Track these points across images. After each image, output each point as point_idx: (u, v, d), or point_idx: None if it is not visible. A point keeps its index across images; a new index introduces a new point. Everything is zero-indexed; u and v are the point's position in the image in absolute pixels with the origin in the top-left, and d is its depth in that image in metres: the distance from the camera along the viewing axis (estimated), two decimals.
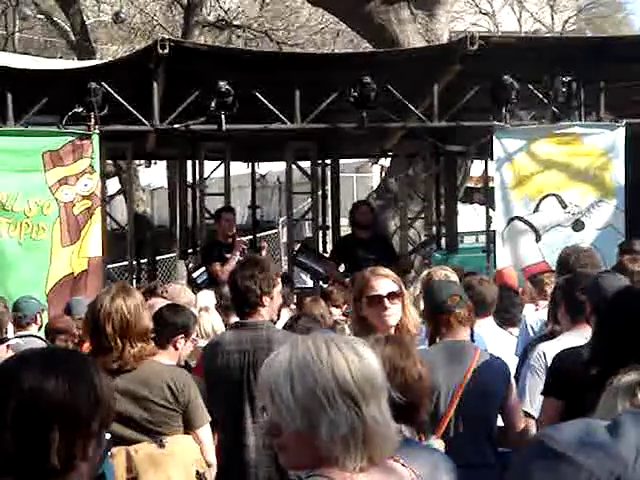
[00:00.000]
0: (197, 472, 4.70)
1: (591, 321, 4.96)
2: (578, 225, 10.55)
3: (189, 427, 4.72)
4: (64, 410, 2.16)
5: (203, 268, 11.22)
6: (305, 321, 6.43)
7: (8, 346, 5.76)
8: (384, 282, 4.75)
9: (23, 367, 2.21)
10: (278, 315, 6.30)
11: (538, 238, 10.51)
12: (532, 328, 6.42)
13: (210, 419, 4.87)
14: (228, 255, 10.97)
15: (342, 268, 11.71)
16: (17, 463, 2.14)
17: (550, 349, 5.34)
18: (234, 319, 5.95)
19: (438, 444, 4.13)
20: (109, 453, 4.26)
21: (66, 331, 6.72)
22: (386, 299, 4.68)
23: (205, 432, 4.80)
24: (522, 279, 8.94)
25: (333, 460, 2.26)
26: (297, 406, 2.24)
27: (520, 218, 10.55)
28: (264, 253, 11.27)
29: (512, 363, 5.60)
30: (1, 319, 5.65)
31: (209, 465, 4.82)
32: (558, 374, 4.79)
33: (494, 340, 5.89)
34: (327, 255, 12.78)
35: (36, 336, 6.99)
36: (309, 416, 2.24)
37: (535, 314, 6.81)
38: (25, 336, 6.73)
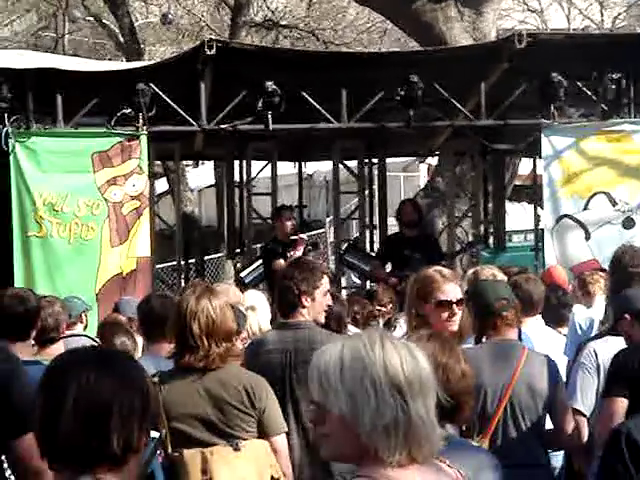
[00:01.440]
0: (272, 477, 4.69)
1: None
2: (628, 223, 10.45)
3: (265, 434, 4.69)
4: (122, 400, 2.25)
5: (252, 267, 11.25)
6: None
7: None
8: (453, 287, 4.75)
9: (79, 361, 2.31)
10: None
11: (588, 236, 10.43)
12: (580, 327, 6.37)
13: (287, 429, 4.87)
14: (291, 252, 10.94)
15: (388, 266, 11.70)
16: (80, 451, 2.23)
17: (601, 347, 5.30)
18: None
19: (481, 444, 4.12)
20: (158, 452, 4.30)
21: (123, 330, 6.78)
22: (455, 305, 4.67)
23: (280, 441, 4.76)
24: (572, 277, 8.87)
25: (372, 452, 2.27)
26: (344, 390, 2.27)
27: (569, 216, 10.47)
28: (301, 250, 11.19)
29: (561, 362, 5.56)
30: (58, 318, 5.74)
31: (284, 474, 4.79)
32: (620, 373, 4.76)
33: (542, 339, 5.85)
34: (374, 254, 12.76)
35: (84, 335, 7.04)
36: (354, 401, 2.26)
37: (584, 313, 6.75)
38: (72, 335, 6.79)
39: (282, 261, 10.86)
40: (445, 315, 4.69)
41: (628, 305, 5.35)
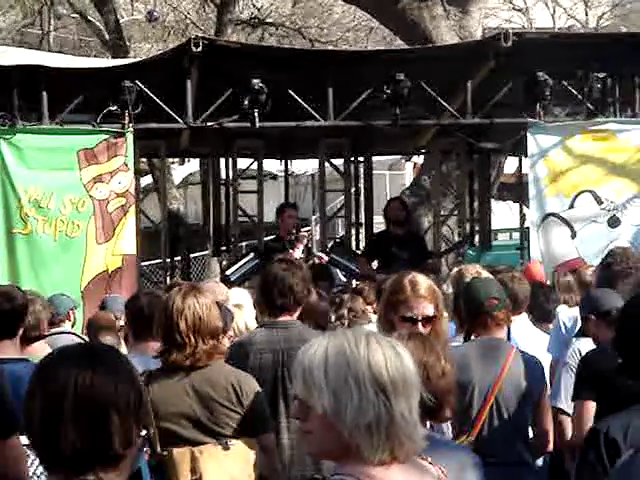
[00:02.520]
0: (260, 476, 4.69)
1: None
2: (614, 221, 10.49)
3: (253, 433, 4.69)
4: (119, 397, 2.24)
5: (237, 265, 11.24)
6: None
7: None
8: (423, 304, 4.43)
9: (73, 359, 2.28)
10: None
11: (573, 234, 10.46)
12: (565, 325, 6.38)
13: (274, 427, 4.86)
14: (291, 251, 10.92)
15: (375, 264, 11.70)
16: (82, 453, 2.21)
17: (585, 346, 5.32)
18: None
19: (468, 441, 4.12)
20: (145, 449, 4.29)
21: (110, 328, 6.76)
22: (420, 323, 4.50)
23: (268, 439, 4.76)
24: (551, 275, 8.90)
25: (355, 450, 2.28)
26: (327, 387, 2.28)
27: (555, 214, 10.50)
28: (301, 247, 11.18)
29: (545, 361, 5.57)
30: (38, 317, 5.70)
31: (275, 471, 4.79)
32: (589, 375, 4.77)
33: (526, 338, 5.87)
34: (360, 251, 12.77)
35: (70, 332, 7.03)
36: (337, 399, 2.27)
37: (568, 311, 6.77)
38: (58, 333, 6.77)
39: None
40: (407, 328, 4.37)
41: (593, 305, 5.38)
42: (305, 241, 11.23)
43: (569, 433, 5.15)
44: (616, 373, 3.51)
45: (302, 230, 11.48)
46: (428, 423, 3.42)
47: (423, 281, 4.56)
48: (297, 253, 10.70)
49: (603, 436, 3.18)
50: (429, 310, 4.46)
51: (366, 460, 2.28)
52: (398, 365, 2.30)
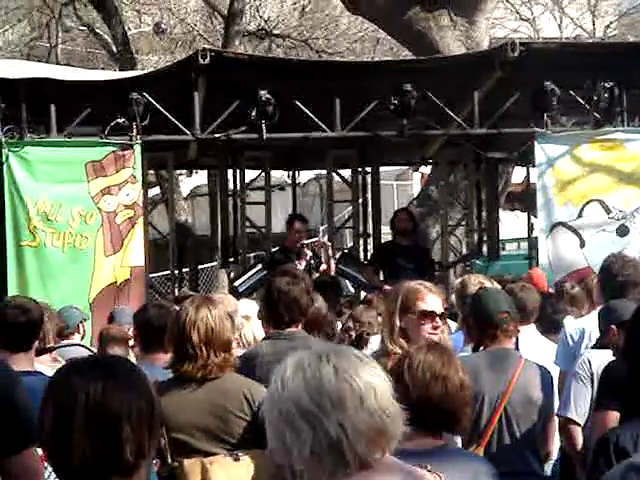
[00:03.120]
0: None
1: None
2: (622, 230, 10.47)
3: (264, 444, 4.67)
4: (131, 407, 2.24)
5: (245, 276, 11.24)
6: None
7: (51, 355, 5.81)
8: (437, 300, 4.67)
9: (85, 371, 2.29)
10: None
11: (582, 243, 10.44)
12: (572, 337, 6.34)
13: None
14: (296, 263, 10.92)
15: (381, 275, 11.69)
16: (95, 464, 2.21)
17: (595, 356, 5.30)
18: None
19: (477, 452, 4.12)
20: (154, 460, 4.28)
21: (122, 339, 6.76)
22: (438, 317, 4.63)
23: None
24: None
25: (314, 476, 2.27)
26: (268, 427, 2.34)
27: (564, 223, 10.49)
28: (304, 262, 11.17)
29: (553, 372, 5.56)
30: (44, 327, 5.70)
31: None
32: (611, 385, 4.76)
33: (534, 348, 5.85)
34: (367, 262, 12.76)
35: (80, 344, 7.04)
36: (276, 435, 2.32)
37: (575, 322, 6.74)
38: (68, 345, 6.78)
39: None
40: (428, 327, 4.59)
41: (613, 316, 5.37)
42: (309, 255, 11.21)
43: (579, 443, 5.14)
44: (627, 382, 3.50)
45: (306, 243, 11.46)
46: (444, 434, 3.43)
47: (429, 283, 4.87)
48: (301, 266, 10.69)
49: (613, 445, 3.17)
50: (442, 306, 4.69)
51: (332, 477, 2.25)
52: (318, 386, 2.26)
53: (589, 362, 5.32)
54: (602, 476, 2.82)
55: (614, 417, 4.63)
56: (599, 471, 3.16)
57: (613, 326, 5.31)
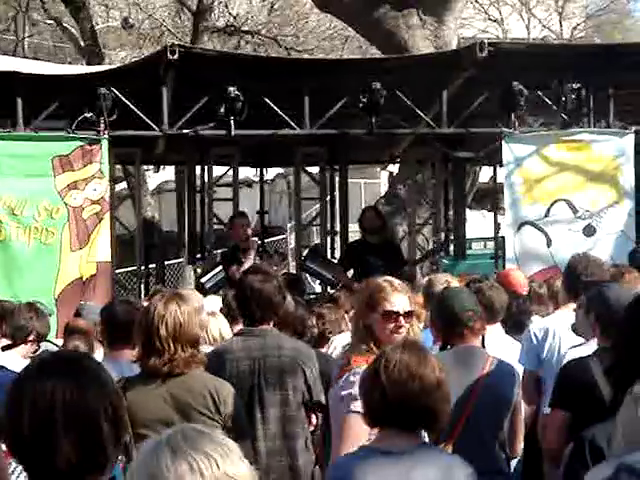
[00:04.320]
0: None
1: (596, 330, 4.96)
2: (589, 230, 10.54)
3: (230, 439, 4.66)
4: (106, 405, 2.23)
5: (212, 272, 11.23)
6: None
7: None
8: (402, 299, 4.64)
9: (53, 373, 2.25)
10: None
11: (549, 242, 10.50)
12: (536, 336, 6.37)
13: (252, 435, 4.83)
14: (243, 260, 10.94)
15: (350, 273, 11.71)
16: (77, 466, 2.18)
17: (583, 353, 5.30)
18: (239, 327, 5.95)
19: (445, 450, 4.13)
20: (119, 457, 4.26)
21: (86, 332, 6.73)
22: (402, 317, 4.62)
23: (244, 447, 4.71)
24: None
25: None
26: None
27: (531, 222, 10.54)
28: (253, 254, 11.15)
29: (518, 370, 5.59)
30: (25, 325, 5.74)
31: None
32: (566, 385, 4.79)
33: (499, 347, 5.88)
34: (335, 260, 12.78)
35: (46, 340, 6.99)
36: None
37: (540, 322, 6.78)
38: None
39: (235, 267, 10.88)
40: (391, 326, 4.57)
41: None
42: (256, 246, 11.26)
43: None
44: (606, 372, 3.50)
45: (251, 239, 11.49)
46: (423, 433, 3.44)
47: (395, 279, 4.79)
48: (249, 261, 10.70)
49: (588, 444, 3.19)
50: (408, 305, 4.64)
51: None
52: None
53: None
54: (576, 475, 2.83)
55: (565, 417, 4.66)
56: (574, 470, 3.18)
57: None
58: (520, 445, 5.15)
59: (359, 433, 3.61)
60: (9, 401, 2.24)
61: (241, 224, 11.40)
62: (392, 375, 3.36)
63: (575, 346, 5.54)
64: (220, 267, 11.44)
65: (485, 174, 16.76)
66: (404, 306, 4.62)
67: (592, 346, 5.07)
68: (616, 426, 2.56)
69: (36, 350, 5.82)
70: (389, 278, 4.80)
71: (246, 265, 10.13)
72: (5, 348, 5.62)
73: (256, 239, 11.81)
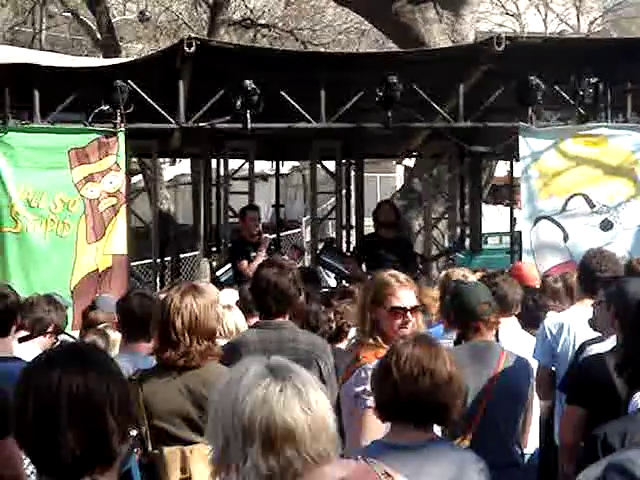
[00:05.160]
0: None
1: (615, 326, 4.94)
2: (606, 225, 10.50)
3: None
4: (113, 398, 2.22)
5: (227, 266, 11.25)
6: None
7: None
8: (409, 294, 4.65)
9: (60, 365, 2.24)
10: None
11: (566, 237, 10.46)
12: (550, 331, 6.36)
13: None
14: (254, 254, 10.98)
15: (363, 267, 11.70)
16: (81, 459, 2.18)
17: (599, 349, 5.29)
18: (255, 320, 5.96)
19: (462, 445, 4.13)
20: (135, 449, 4.28)
21: (105, 326, 6.75)
22: (409, 312, 4.62)
23: None
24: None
25: None
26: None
27: (547, 217, 10.50)
28: (264, 250, 11.15)
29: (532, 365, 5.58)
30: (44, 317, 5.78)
31: None
32: (582, 381, 4.78)
33: (515, 341, 5.87)
34: (350, 254, 12.78)
35: (63, 332, 7.01)
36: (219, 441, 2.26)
37: (554, 317, 6.76)
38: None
39: (245, 262, 10.89)
40: (398, 322, 4.59)
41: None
42: (267, 244, 11.25)
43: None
44: (619, 366, 3.48)
45: (264, 234, 11.51)
46: (436, 427, 3.44)
47: (401, 273, 4.78)
48: (260, 257, 10.70)
49: (601, 442, 3.18)
50: (414, 299, 4.67)
51: None
52: (267, 414, 2.19)
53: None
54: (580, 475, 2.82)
55: (582, 414, 4.65)
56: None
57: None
58: (530, 437, 5.14)
59: (380, 427, 3.61)
60: (15, 392, 2.25)
61: (252, 217, 11.41)
62: (403, 370, 3.36)
63: (594, 341, 5.52)
64: None
65: (501, 169, 16.72)
66: (410, 301, 4.64)
67: (612, 342, 5.07)
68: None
69: (54, 342, 5.84)
70: (394, 272, 4.79)
71: (259, 260, 10.13)
72: (22, 340, 5.64)
73: (268, 235, 11.80)
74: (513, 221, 13.57)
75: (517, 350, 5.45)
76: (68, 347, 2.51)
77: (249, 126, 10.10)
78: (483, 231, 14.33)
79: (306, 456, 2.19)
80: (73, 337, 6.81)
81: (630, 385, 3.35)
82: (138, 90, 9.82)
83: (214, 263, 13.15)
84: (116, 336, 6.09)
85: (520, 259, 10.76)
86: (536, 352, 6.19)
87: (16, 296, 5.14)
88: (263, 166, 17.74)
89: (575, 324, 6.11)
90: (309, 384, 2.26)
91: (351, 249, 13.50)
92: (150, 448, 4.50)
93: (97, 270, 9.77)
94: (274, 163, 15.54)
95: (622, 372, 3.48)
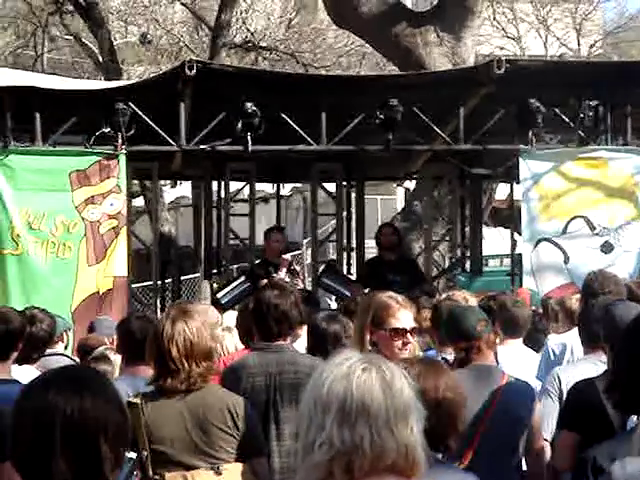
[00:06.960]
0: None
1: (605, 349, 4.93)
2: (607, 247, 10.50)
3: (245, 456, 4.64)
4: (108, 423, 2.21)
5: (227, 289, 11.22)
6: None
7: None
8: (408, 315, 4.65)
9: (57, 389, 2.24)
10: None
11: (567, 259, 10.47)
12: (554, 352, 6.37)
13: (267, 451, 4.83)
14: (274, 275, 10.92)
15: (367, 290, 11.68)
16: None
17: (564, 373, 5.32)
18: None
19: None
20: (135, 473, 4.26)
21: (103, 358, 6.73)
22: (409, 334, 4.61)
23: (261, 463, 4.72)
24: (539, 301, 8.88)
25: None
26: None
27: (548, 239, 10.51)
28: (284, 270, 11.13)
29: (535, 387, 5.56)
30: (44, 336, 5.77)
31: None
32: (573, 406, 4.77)
33: (519, 362, 5.86)
34: (352, 277, 12.76)
35: (63, 354, 7.00)
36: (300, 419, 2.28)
37: (557, 338, 6.76)
38: (52, 355, 6.74)
39: (265, 281, 10.84)
40: (399, 343, 4.58)
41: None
42: (287, 264, 11.23)
43: (547, 459, 5.13)
44: (608, 390, 3.46)
45: (285, 254, 11.49)
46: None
47: (398, 295, 4.77)
48: (282, 275, 10.72)
49: (591, 464, 3.18)
50: (412, 321, 4.69)
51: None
52: (360, 394, 2.21)
53: (558, 378, 5.32)
54: None
55: (574, 438, 4.63)
56: None
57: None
58: (543, 461, 5.07)
59: None
60: (12, 414, 2.24)
61: (275, 239, 11.39)
62: None
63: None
64: (237, 282, 11.43)
65: (501, 191, 16.73)
66: (410, 322, 4.63)
67: (591, 360, 5.11)
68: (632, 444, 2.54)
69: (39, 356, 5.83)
70: (392, 294, 4.78)
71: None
72: (22, 362, 5.63)
73: (288, 256, 11.77)
74: (514, 243, 13.57)
75: (520, 371, 5.44)
76: (66, 370, 2.50)
77: (250, 148, 10.13)
78: (484, 253, 14.33)
79: (377, 438, 2.19)
80: (74, 360, 6.79)
81: (618, 410, 3.34)
82: (139, 112, 9.85)
83: (215, 285, 13.14)
84: (115, 357, 6.09)
85: (521, 281, 10.75)
86: (539, 373, 6.18)
87: (20, 322, 5.11)
88: (264, 188, 17.75)
89: (577, 345, 6.11)
90: (398, 374, 2.27)
91: (352, 271, 13.49)
92: (151, 473, 4.48)
93: (98, 292, 9.77)
94: (275, 185, 15.55)
95: (610, 396, 3.46)
